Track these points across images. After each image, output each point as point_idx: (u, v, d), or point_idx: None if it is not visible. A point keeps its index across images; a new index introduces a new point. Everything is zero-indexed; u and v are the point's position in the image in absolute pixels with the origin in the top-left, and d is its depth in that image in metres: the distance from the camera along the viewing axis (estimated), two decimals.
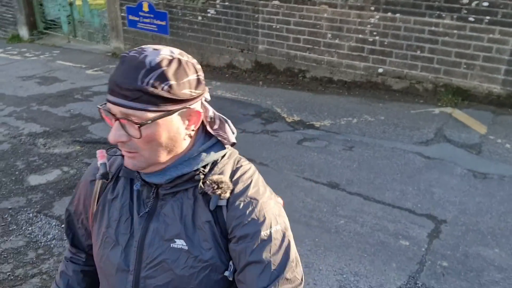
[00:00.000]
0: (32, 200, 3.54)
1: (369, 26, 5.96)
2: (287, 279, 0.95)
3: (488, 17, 5.15)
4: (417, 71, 5.83)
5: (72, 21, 9.96)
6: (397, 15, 5.72)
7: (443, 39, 5.50)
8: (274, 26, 6.74)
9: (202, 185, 0.98)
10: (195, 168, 0.99)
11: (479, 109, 5.35)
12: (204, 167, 1.00)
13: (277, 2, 6.59)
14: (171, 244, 0.99)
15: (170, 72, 0.89)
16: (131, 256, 1.02)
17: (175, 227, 0.99)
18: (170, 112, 0.91)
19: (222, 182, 0.97)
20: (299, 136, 4.72)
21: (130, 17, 8.42)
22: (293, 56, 6.72)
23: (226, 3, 7.13)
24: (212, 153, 1.01)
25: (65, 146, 4.61)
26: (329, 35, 6.28)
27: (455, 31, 5.40)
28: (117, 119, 0.91)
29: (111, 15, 8.79)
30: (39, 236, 3.09)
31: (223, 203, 0.98)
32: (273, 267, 0.94)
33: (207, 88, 0.99)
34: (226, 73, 7.30)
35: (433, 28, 5.53)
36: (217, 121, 1.04)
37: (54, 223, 3.25)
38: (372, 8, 5.87)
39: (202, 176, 0.99)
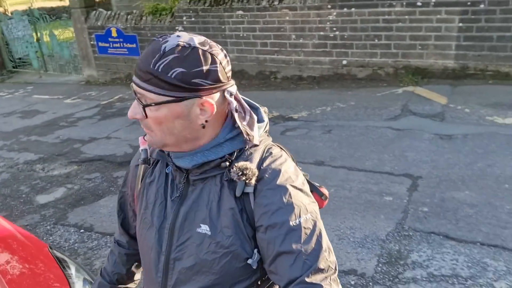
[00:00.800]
0: (46, 215, 3.78)
1: (328, 23, 6.46)
2: (320, 269, 0.92)
3: (433, 0, 5.73)
4: (377, 58, 6.36)
5: (42, 56, 10.14)
6: (352, 9, 6.25)
7: (397, 25, 6.05)
8: (241, 35, 7.17)
9: (227, 172, 0.99)
10: (222, 155, 1.00)
11: (438, 83, 5.89)
12: (231, 154, 1.00)
13: (241, 12, 7.03)
14: (197, 229, 1.01)
15: (182, 59, 0.90)
16: (163, 237, 1.06)
17: (202, 212, 1.02)
18: (177, 99, 0.93)
19: (247, 168, 0.96)
20: (281, 128, 5.11)
21: (100, 44, 8.71)
22: (263, 60, 7.16)
23: (193, 19, 7.53)
24: (238, 141, 1.01)
25: (62, 167, 4.85)
26: (294, 36, 6.75)
27: (406, 17, 5.95)
28: (137, 97, 0.96)
29: (81, 45, 9.05)
30: (62, 242, 3.34)
31: (249, 190, 0.97)
32: (305, 257, 0.92)
33: (232, 82, 0.99)
34: None
35: (386, 17, 6.08)
36: (247, 118, 1.02)
37: (72, 230, 3.50)
38: (329, 6, 6.38)
39: (227, 163, 0.99)
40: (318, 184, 1.15)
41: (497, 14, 5.50)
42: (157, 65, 0.90)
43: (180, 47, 0.91)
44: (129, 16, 8.31)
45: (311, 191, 1.09)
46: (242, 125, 0.99)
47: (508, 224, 2.89)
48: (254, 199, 0.98)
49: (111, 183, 4.34)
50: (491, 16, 5.53)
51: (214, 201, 1.00)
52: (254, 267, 0.99)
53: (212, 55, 0.93)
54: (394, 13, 6.01)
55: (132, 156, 4.94)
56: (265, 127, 1.07)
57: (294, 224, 0.94)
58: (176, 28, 7.71)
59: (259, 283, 1.04)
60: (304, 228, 0.94)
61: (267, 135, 1.09)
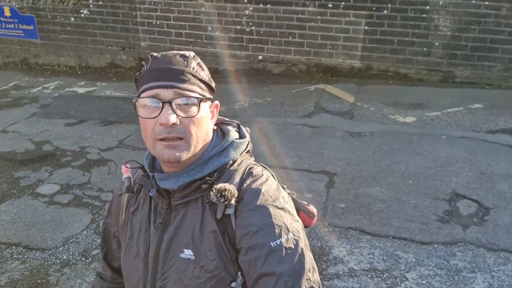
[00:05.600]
0: None
1: (245, 17, 6.49)
2: None
3: (343, 3, 6.05)
4: (291, 55, 6.55)
5: None
6: (268, 6, 6.35)
7: (310, 24, 6.28)
8: (154, 22, 6.88)
9: (207, 194, 0.98)
10: (207, 172, 1.01)
11: (345, 82, 6.26)
12: (210, 175, 1.01)
13: None
14: (180, 254, 1.00)
15: (201, 65, 1.03)
16: (149, 266, 1.04)
17: (185, 237, 1.00)
18: (208, 99, 1.02)
19: (225, 190, 0.96)
20: None
21: None
22: (177, 50, 6.94)
23: (100, 3, 7.03)
24: (222, 157, 1.03)
25: None
26: (210, 28, 6.66)
27: (318, 17, 6.21)
28: (167, 102, 0.96)
29: None
30: None
31: (230, 211, 0.97)
32: (286, 278, 0.90)
33: None
34: (109, 73, 7.22)
35: (300, 16, 6.28)
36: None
37: None
38: (246, 1, 6.40)
39: (206, 186, 1.00)
40: (305, 203, 1.15)
41: (398, 20, 5.99)
42: (191, 66, 1.00)
43: (194, 56, 1.04)
44: None
45: (299, 210, 1.10)
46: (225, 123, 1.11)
47: (414, 217, 3.21)
48: (235, 220, 0.97)
49: (12, 184, 3.91)
50: (393, 22, 6.02)
51: (197, 224, 1.00)
52: None
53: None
54: (307, 13, 6.24)
55: (34, 152, 4.52)
56: (247, 145, 1.10)
57: (275, 244, 0.93)
58: (81, 11, 7.14)
59: None
60: (285, 248, 0.93)
61: (250, 155, 1.11)
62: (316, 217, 1.16)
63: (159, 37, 6.94)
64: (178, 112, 0.96)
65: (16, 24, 7.58)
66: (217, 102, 1.07)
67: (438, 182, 3.65)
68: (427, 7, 5.83)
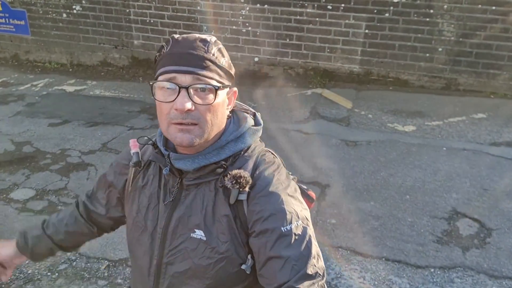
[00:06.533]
0: None
1: (241, 17, 6.26)
2: (308, 275, 0.94)
3: (343, 5, 5.81)
4: (288, 57, 6.32)
5: None
6: (265, 6, 6.12)
7: (308, 26, 6.05)
8: (148, 21, 6.66)
9: (222, 178, 1.01)
10: (224, 157, 1.03)
11: (343, 87, 6.03)
12: (226, 160, 1.03)
13: None
14: (191, 234, 1.03)
15: (221, 51, 1.02)
16: (156, 241, 1.07)
17: (196, 218, 1.03)
18: (226, 86, 1.02)
19: (240, 177, 0.98)
20: None
21: None
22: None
23: None
24: (239, 143, 1.05)
25: None
26: (205, 27, 6.44)
27: (317, 19, 5.98)
28: (184, 88, 0.96)
29: None
30: None
31: (243, 197, 1.00)
32: (293, 262, 0.94)
33: None
34: (101, 71, 6.99)
35: (298, 17, 6.05)
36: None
37: None
38: (242, 0, 6.17)
39: (221, 170, 1.02)
40: (305, 187, 1.18)
41: (400, 24, 5.76)
42: (211, 52, 0.99)
43: (215, 41, 1.03)
44: None
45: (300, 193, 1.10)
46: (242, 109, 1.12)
47: (410, 237, 2.97)
48: (247, 206, 1.00)
49: None
50: (395, 25, 5.78)
51: (209, 206, 1.02)
52: (248, 272, 1.02)
53: None
54: (306, 14, 6.00)
55: (13, 153, 4.29)
56: (260, 132, 1.11)
57: (285, 230, 0.97)
58: (73, 7, 6.92)
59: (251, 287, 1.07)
60: (295, 234, 0.97)
61: (260, 141, 1.13)
62: (314, 201, 1.20)
63: (152, 36, 6.71)
64: (195, 98, 0.97)
65: (7, 19, 7.36)
66: (235, 89, 1.08)
67: (436, 198, 3.41)
68: (431, 11, 5.60)
